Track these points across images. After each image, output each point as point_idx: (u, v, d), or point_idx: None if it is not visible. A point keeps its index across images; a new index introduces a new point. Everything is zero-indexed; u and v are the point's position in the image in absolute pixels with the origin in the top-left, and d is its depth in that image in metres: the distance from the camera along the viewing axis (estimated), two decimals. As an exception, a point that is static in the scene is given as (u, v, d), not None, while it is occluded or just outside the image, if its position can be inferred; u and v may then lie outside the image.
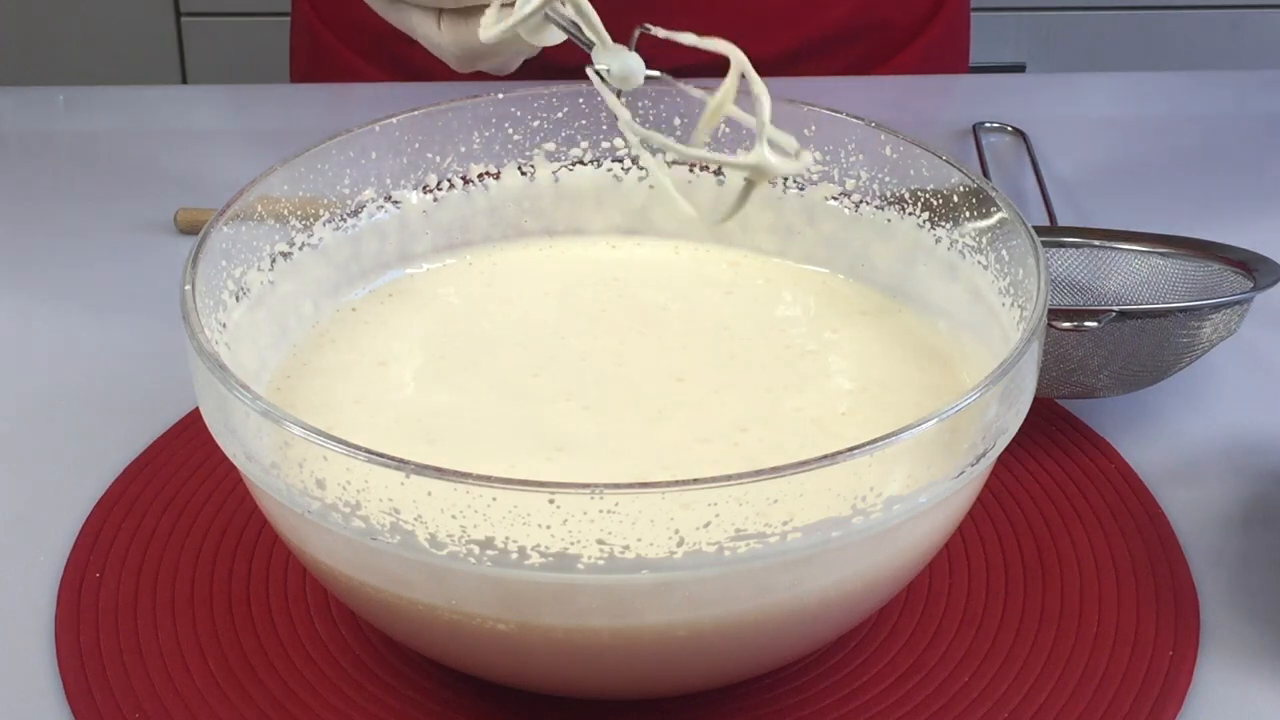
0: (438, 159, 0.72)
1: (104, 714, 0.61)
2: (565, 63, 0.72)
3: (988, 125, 1.00)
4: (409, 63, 1.09)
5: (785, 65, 1.07)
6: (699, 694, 0.61)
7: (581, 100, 0.73)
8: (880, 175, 0.71)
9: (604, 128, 0.74)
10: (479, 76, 0.79)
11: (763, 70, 1.05)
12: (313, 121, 1.03)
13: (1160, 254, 0.77)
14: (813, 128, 0.71)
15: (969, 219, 0.67)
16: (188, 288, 0.59)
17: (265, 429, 0.54)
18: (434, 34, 0.71)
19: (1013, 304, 0.63)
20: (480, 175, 0.73)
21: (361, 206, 0.71)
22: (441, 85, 1.06)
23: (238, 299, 0.65)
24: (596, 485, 0.50)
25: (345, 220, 0.70)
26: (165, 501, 0.70)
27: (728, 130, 0.73)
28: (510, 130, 0.73)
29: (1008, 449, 0.58)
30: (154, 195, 0.93)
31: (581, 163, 0.74)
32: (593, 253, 0.74)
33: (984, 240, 0.66)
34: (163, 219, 0.91)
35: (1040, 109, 1.04)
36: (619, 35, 0.70)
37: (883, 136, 0.70)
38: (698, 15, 1.00)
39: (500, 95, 0.73)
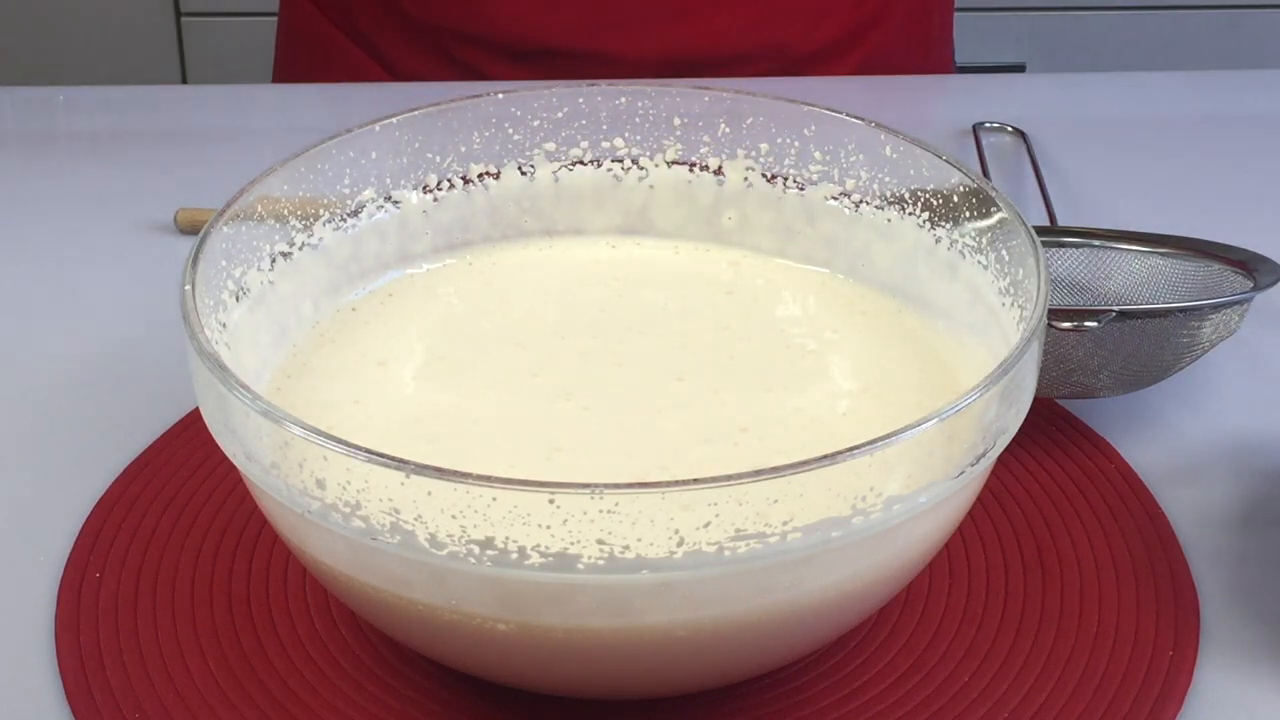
0: (438, 159, 0.72)
1: (104, 714, 0.61)
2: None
3: (988, 125, 1.00)
4: (398, 48, 1.09)
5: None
6: (699, 694, 0.61)
7: (581, 100, 0.73)
8: (880, 175, 0.71)
9: (604, 128, 0.74)
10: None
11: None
12: (313, 121, 1.03)
13: (1160, 254, 0.77)
14: (813, 128, 0.71)
15: (969, 219, 0.67)
16: (188, 288, 0.59)
17: (265, 429, 0.54)
18: None
19: (1013, 304, 0.63)
20: (480, 175, 0.73)
21: (361, 206, 0.71)
22: (442, 85, 1.06)
23: (238, 299, 0.65)
24: (596, 485, 0.50)
25: (345, 220, 0.70)
26: (165, 501, 0.70)
27: (728, 130, 0.73)
28: (510, 130, 0.73)
29: (1008, 449, 0.58)
30: (154, 195, 0.93)
31: (581, 163, 0.74)
32: (593, 253, 0.74)
33: (984, 240, 0.66)
34: (163, 219, 0.91)
35: (1040, 109, 1.04)
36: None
37: (883, 136, 0.70)
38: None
39: (500, 95, 0.73)
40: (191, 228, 0.89)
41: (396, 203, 0.71)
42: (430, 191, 0.72)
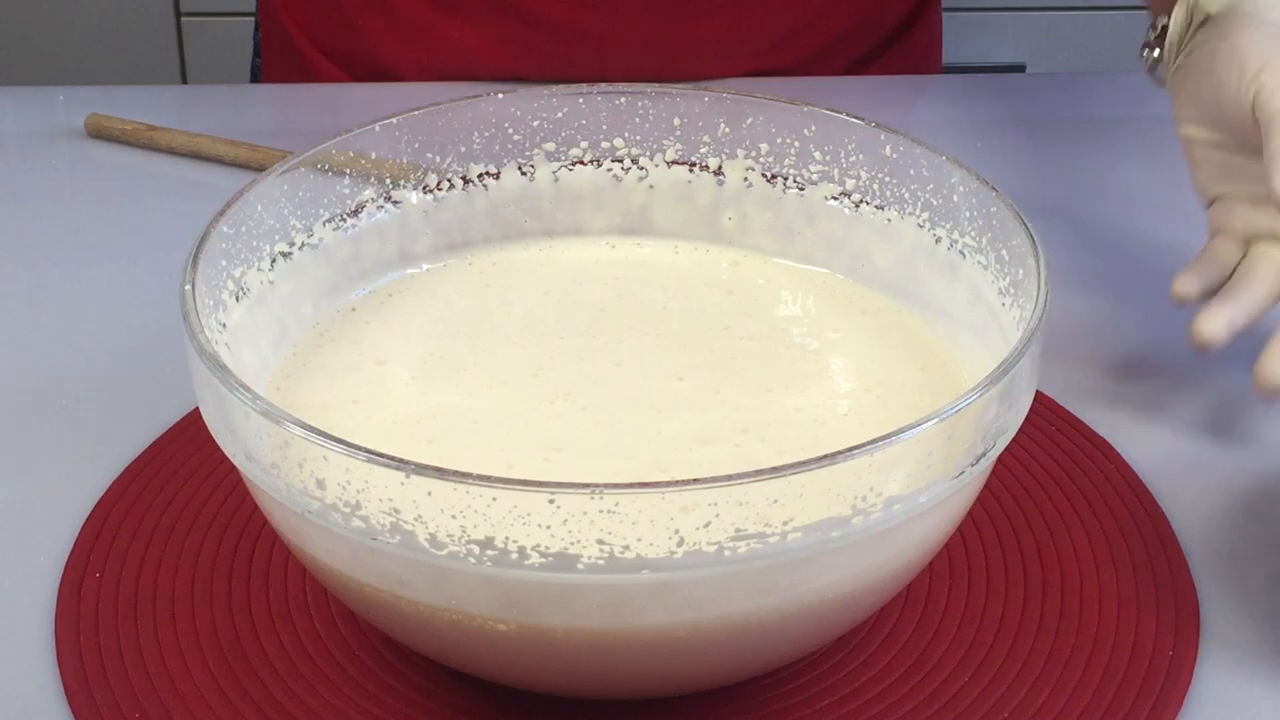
0: (438, 159, 0.72)
1: (104, 714, 0.61)
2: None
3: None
4: (370, 60, 1.09)
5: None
6: (699, 694, 0.61)
7: (581, 100, 0.73)
8: (880, 175, 0.71)
9: (604, 127, 0.74)
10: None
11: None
12: (313, 121, 1.03)
13: None
14: (812, 128, 0.71)
15: (969, 219, 0.67)
16: (188, 288, 0.59)
17: (265, 429, 0.54)
18: None
19: (1013, 304, 0.63)
20: (480, 175, 0.73)
21: (361, 206, 0.71)
22: (441, 85, 1.06)
23: (238, 299, 0.65)
24: (596, 485, 0.50)
25: (345, 220, 0.70)
26: (165, 501, 0.70)
27: (727, 130, 0.73)
28: (510, 130, 0.73)
29: (1008, 449, 0.58)
30: (154, 195, 0.93)
31: (581, 163, 0.74)
32: (592, 253, 0.74)
33: (984, 240, 0.66)
34: (162, 220, 0.91)
35: (1040, 109, 1.04)
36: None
37: (883, 136, 0.70)
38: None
39: (500, 95, 0.73)
40: (99, 133, 0.95)
41: (396, 203, 0.71)
42: (430, 191, 0.72)
